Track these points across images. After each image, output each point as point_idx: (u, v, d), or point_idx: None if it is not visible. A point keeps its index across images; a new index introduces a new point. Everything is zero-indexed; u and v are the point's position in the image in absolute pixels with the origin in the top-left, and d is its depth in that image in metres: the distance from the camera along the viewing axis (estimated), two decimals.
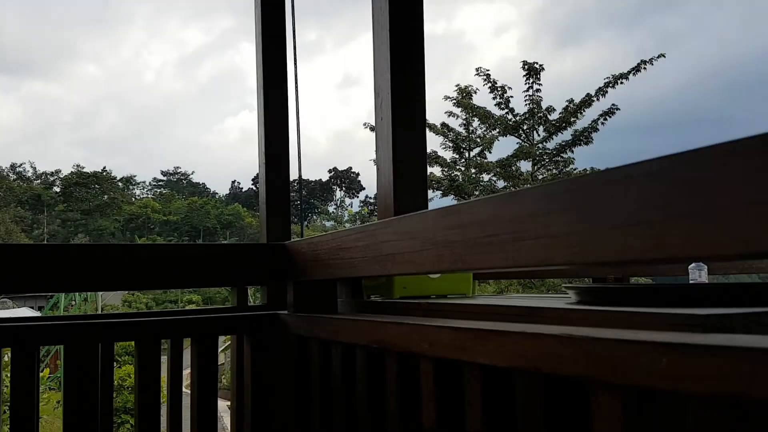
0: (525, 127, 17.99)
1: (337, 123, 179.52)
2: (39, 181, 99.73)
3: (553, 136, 17.65)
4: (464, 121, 20.20)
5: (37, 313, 24.10)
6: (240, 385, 1.77)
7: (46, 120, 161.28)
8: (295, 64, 2.61)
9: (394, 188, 1.81)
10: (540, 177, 18.26)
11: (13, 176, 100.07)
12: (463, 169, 20.37)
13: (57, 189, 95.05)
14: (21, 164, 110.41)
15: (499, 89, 18.16)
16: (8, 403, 1.52)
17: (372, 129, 19.89)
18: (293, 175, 2.78)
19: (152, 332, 1.66)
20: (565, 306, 1.11)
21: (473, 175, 19.93)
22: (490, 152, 20.56)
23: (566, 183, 0.79)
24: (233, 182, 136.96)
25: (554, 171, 18.20)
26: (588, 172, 17.28)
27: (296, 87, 2.58)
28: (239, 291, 2.16)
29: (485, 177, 20.24)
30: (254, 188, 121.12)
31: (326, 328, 1.51)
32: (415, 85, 1.86)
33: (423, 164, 1.96)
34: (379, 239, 1.26)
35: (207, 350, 1.74)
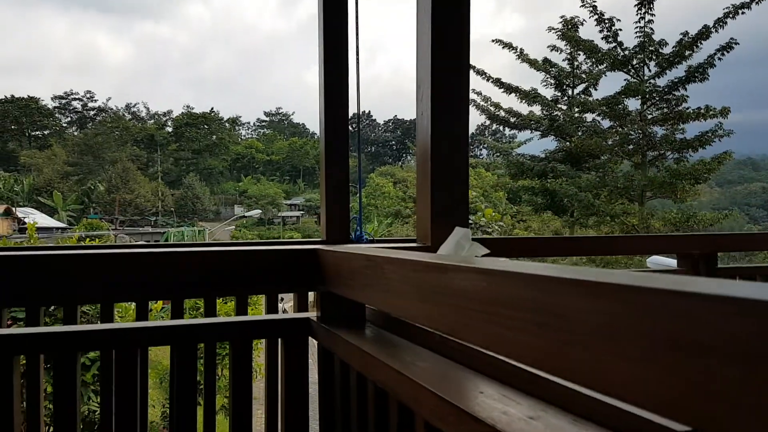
0: (634, 62, 16.76)
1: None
2: (152, 121, 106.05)
3: (665, 72, 16.31)
4: (568, 56, 19.08)
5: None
6: (272, 389, 1.76)
7: (157, 60, 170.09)
8: None
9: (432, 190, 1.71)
10: (649, 116, 17.05)
11: (128, 116, 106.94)
12: (565, 107, 19.43)
13: (169, 129, 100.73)
14: (135, 104, 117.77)
15: (606, 21, 16.88)
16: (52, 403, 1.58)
17: (479, 73, 19.21)
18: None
19: (187, 336, 1.67)
20: None
21: (576, 115, 18.97)
22: (596, 89, 19.45)
23: None
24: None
25: (665, 109, 16.90)
26: (701, 110, 15.89)
27: (356, 13, 2.45)
28: (268, 296, 2.14)
29: (588, 116, 19.15)
30: (351, 128, 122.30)
31: (344, 350, 1.44)
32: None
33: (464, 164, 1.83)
34: (386, 274, 1.15)
35: (241, 354, 1.73)
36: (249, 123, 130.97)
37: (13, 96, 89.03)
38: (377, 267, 1.18)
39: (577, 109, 18.33)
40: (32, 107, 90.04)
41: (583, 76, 18.69)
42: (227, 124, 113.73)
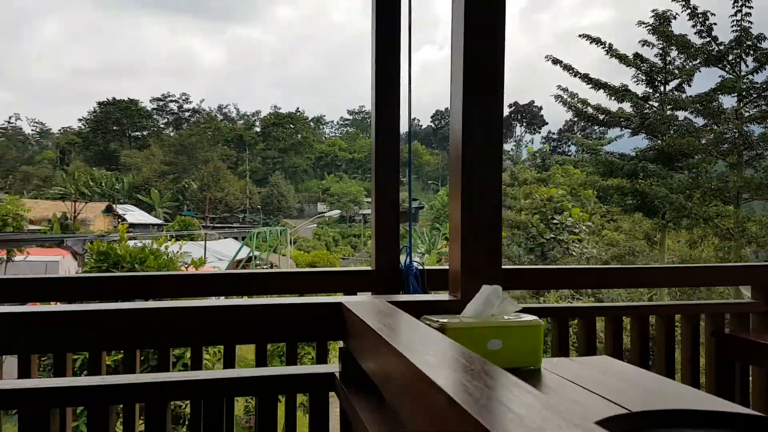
0: (730, 58, 15.70)
1: (519, 51, 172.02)
2: (242, 121, 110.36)
3: (764, 68, 15.17)
4: (660, 51, 18.15)
5: (239, 245, 27.09)
6: None
7: (247, 62, 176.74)
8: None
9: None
10: (746, 114, 15.91)
11: (220, 117, 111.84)
12: (656, 105, 18.54)
13: (257, 129, 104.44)
14: (226, 105, 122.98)
15: (700, 15, 15.91)
16: None
17: (555, 62, 18.69)
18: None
19: (211, 392, 1.63)
20: None
21: (668, 112, 18.03)
22: (689, 86, 18.42)
23: None
24: (413, 119, 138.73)
25: (763, 107, 15.73)
26: None
27: (410, 18, 2.36)
28: (289, 346, 2.07)
29: (681, 114, 18.15)
30: (432, 125, 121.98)
31: (360, 420, 1.35)
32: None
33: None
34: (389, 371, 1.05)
35: (266, 407, 1.68)
36: (333, 121, 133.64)
37: (114, 98, 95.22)
38: (381, 351, 1.08)
39: (669, 107, 17.44)
40: (132, 109, 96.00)
41: (676, 72, 17.74)
42: (312, 123, 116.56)
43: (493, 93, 1.76)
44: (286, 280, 2.48)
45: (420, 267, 2.32)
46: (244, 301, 1.76)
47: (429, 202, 71.68)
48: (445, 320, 1.48)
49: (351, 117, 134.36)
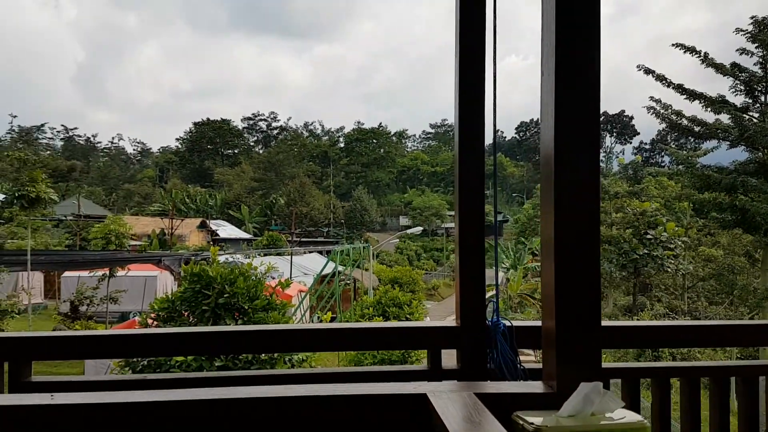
0: None
1: (608, 59, 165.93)
2: (326, 137, 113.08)
3: None
4: (761, 60, 17.01)
5: (323, 259, 27.64)
6: None
7: (332, 79, 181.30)
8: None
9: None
10: None
11: (306, 134, 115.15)
12: (756, 116, 17.37)
13: (341, 144, 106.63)
14: (312, 122, 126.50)
15: None
16: None
17: (647, 71, 17.88)
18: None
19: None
20: None
21: None
22: None
23: None
24: (497, 131, 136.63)
25: None
26: None
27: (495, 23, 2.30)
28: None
29: None
30: (517, 137, 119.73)
31: None
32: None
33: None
34: None
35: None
36: (415, 135, 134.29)
37: (208, 119, 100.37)
38: None
39: None
40: (225, 128, 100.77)
41: None
42: (394, 138, 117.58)
43: (589, 98, 1.65)
44: (376, 334, 2.43)
45: (508, 324, 2.21)
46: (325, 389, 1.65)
47: (514, 215, 70.26)
48: (540, 421, 1.37)
49: (433, 131, 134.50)
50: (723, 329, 2.43)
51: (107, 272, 17.13)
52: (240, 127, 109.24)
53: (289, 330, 2.68)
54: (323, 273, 23.34)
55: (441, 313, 40.41)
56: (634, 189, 33.29)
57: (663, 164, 59.89)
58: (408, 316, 17.63)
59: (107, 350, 2.44)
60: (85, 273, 18.81)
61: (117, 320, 18.42)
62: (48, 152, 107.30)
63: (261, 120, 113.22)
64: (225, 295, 7.85)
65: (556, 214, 1.57)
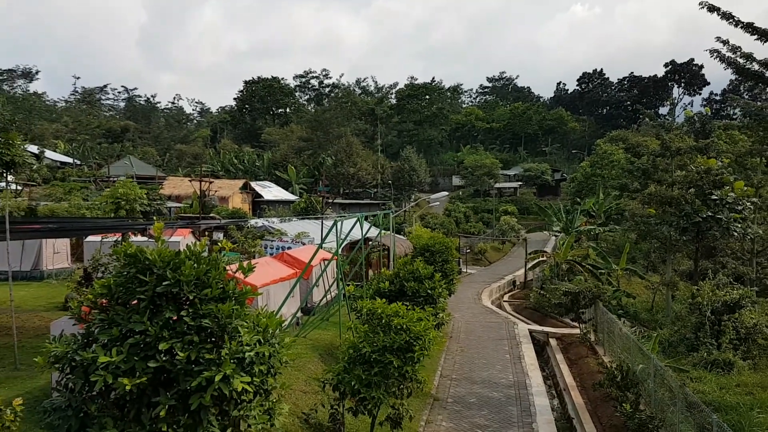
0: None
1: (683, 4, 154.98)
2: (379, 94, 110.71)
3: None
4: None
5: (366, 224, 26.56)
6: None
7: (390, 35, 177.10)
8: None
9: None
10: None
11: (358, 90, 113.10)
12: None
13: (393, 101, 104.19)
14: (364, 78, 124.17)
15: None
16: None
17: (711, 9, 15.47)
18: None
19: None
20: None
21: None
22: None
23: None
24: (558, 84, 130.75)
25: None
26: None
27: None
28: None
29: None
30: (579, 89, 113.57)
31: None
32: None
33: None
34: None
35: None
36: (471, 90, 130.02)
37: (259, 77, 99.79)
38: None
39: None
40: (275, 86, 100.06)
41: None
42: (448, 93, 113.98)
43: None
44: None
45: None
46: None
47: (571, 174, 66.70)
48: None
49: (490, 84, 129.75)
50: None
51: (119, 237, 16.49)
52: (292, 85, 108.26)
53: None
54: (354, 240, 22.40)
55: (486, 278, 38.35)
56: (699, 144, 30.26)
57: (735, 117, 55.05)
58: (429, 291, 16.18)
59: None
60: (104, 238, 18.33)
61: None
62: (110, 112, 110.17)
63: (313, 77, 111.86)
64: (165, 283, 6.62)
65: None
